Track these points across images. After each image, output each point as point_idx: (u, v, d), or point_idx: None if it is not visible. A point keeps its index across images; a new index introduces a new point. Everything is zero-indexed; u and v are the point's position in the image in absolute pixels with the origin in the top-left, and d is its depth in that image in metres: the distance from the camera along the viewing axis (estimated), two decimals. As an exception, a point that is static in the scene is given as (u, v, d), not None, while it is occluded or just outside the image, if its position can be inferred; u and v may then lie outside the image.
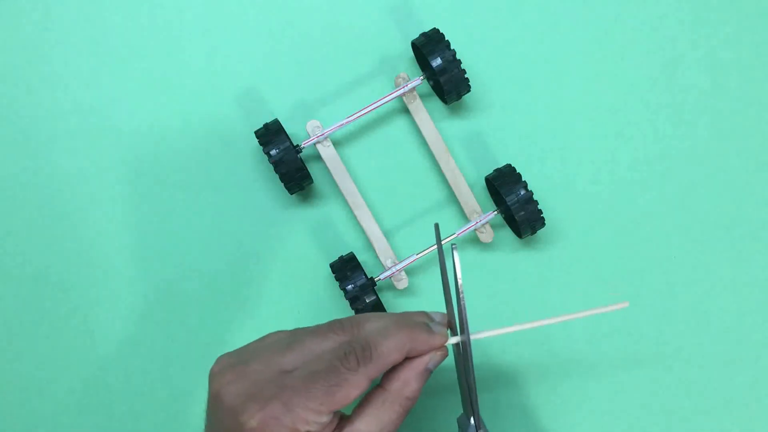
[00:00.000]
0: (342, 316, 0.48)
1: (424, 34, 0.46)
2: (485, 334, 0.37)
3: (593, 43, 0.50)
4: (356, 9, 0.50)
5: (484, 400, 0.48)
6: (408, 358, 0.36)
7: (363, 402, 0.36)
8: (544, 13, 0.50)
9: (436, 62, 0.45)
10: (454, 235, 0.47)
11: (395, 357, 0.35)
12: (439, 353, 0.36)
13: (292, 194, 0.47)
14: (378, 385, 0.36)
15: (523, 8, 0.50)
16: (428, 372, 0.36)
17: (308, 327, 0.37)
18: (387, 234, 0.48)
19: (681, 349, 0.49)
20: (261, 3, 0.50)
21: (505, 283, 0.49)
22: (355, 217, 0.47)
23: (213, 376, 0.35)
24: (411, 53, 0.49)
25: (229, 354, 0.36)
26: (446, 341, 0.37)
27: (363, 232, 0.47)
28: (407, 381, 0.35)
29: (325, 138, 0.47)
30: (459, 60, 0.45)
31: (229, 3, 0.50)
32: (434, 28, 0.46)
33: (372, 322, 0.36)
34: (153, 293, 0.49)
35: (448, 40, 0.45)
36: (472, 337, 0.36)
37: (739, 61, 0.50)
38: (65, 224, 0.49)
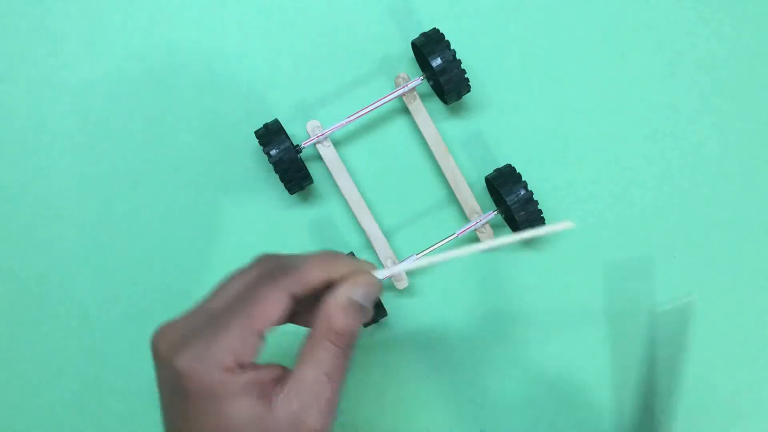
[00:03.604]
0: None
1: (424, 34, 0.46)
2: (412, 265, 0.36)
3: (593, 43, 0.50)
4: (356, 9, 0.50)
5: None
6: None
7: (300, 348, 0.34)
8: (544, 13, 0.50)
9: (436, 62, 0.45)
10: (454, 235, 0.47)
11: (315, 272, 0.33)
12: (362, 278, 0.34)
13: (292, 194, 0.47)
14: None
15: (523, 8, 0.50)
16: (355, 304, 0.34)
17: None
18: (387, 234, 0.48)
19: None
20: (261, 3, 0.50)
21: (505, 283, 0.49)
22: (355, 217, 0.47)
23: (152, 339, 0.33)
24: (411, 53, 0.49)
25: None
26: (373, 268, 0.35)
27: (363, 232, 0.47)
28: (331, 314, 0.33)
29: (325, 138, 0.47)
30: (459, 60, 0.45)
31: (229, 3, 0.50)
32: (434, 28, 0.46)
33: (300, 256, 0.35)
34: (153, 293, 0.49)
35: (448, 40, 0.45)
36: (404, 267, 0.35)
37: (738, 60, 0.50)
38: (65, 225, 0.49)
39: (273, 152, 0.44)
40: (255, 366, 0.32)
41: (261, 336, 0.32)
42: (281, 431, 0.31)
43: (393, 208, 0.49)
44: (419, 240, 0.49)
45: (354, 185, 0.47)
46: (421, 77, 0.47)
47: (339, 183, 0.47)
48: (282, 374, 0.33)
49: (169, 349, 0.31)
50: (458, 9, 0.50)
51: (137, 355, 0.49)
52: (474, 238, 0.48)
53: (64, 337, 0.49)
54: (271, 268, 0.33)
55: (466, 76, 0.46)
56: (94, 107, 0.49)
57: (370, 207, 0.48)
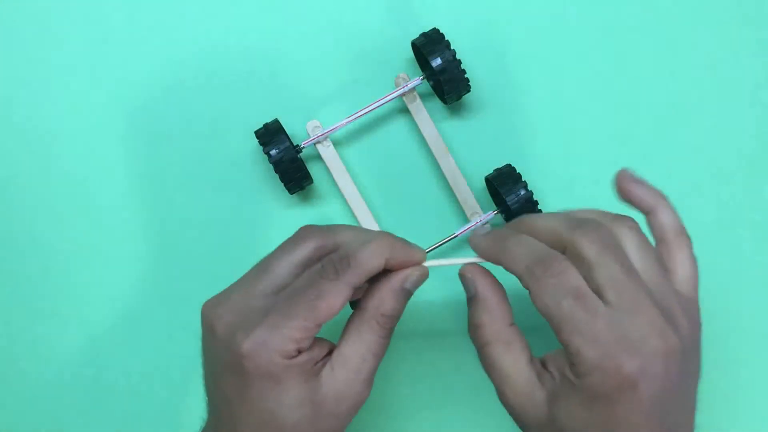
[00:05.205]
0: (342, 321, 0.49)
1: (424, 34, 0.46)
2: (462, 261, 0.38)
3: (593, 43, 0.50)
4: (356, 9, 0.50)
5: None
6: (384, 274, 0.36)
7: (346, 326, 0.36)
8: (544, 13, 0.50)
9: (436, 62, 0.45)
10: (454, 236, 0.47)
11: (375, 263, 0.34)
12: (417, 272, 0.36)
13: (292, 194, 0.47)
14: (357, 306, 0.36)
15: (523, 8, 0.50)
16: (406, 291, 0.36)
17: (280, 245, 0.37)
18: (387, 234, 0.48)
19: (681, 349, 0.49)
20: (261, 3, 0.50)
21: (504, 284, 0.49)
22: (355, 217, 0.47)
23: (205, 313, 0.35)
24: (411, 53, 0.49)
25: (218, 293, 0.36)
26: (425, 257, 0.37)
27: (363, 232, 0.47)
28: (383, 298, 0.35)
29: (325, 138, 0.47)
30: (459, 60, 0.45)
31: (228, 3, 0.50)
32: (434, 28, 0.46)
33: (347, 232, 0.36)
34: (153, 293, 0.49)
35: (448, 40, 0.45)
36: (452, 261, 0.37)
37: (739, 60, 0.50)
38: (65, 226, 0.49)
39: (273, 152, 0.44)
40: (309, 348, 0.34)
41: (321, 326, 0.33)
42: (327, 405, 0.34)
43: (393, 208, 0.49)
44: (419, 240, 0.48)
45: (354, 185, 0.47)
46: (421, 77, 0.47)
47: (339, 183, 0.47)
48: (328, 349, 0.35)
49: (230, 330, 0.33)
50: (458, 9, 0.50)
51: (137, 355, 0.49)
52: (474, 238, 0.48)
53: (64, 337, 0.49)
54: (331, 258, 0.34)
55: (466, 76, 0.46)
56: (94, 107, 0.49)
57: (370, 207, 0.48)
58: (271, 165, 0.45)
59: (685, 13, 0.50)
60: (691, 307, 0.35)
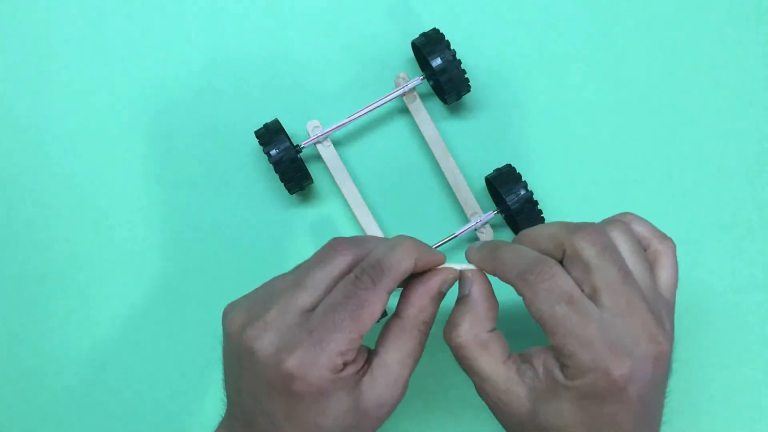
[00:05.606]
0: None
1: (424, 34, 0.46)
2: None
3: (593, 43, 0.50)
4: (356, 9, 0.50)
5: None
6: (418, 279, 0.36)
7: (384, 333, 0.36)
8: (544, 13, 0.50)
9: (436, 62, 0.45)
10: (454, 236, 0.47)
11: (406, 266, 0.34)
12: (451, 275, 0.36)
13: (292, 194, 0.47)
14: (394, 314, 0.36)
15: (523, 8, 0.50)
16: (442, 295, 0.36)
17: (308, 259, 0.36)
18: (387, 234, 0.48)
19: (681, 350, 0.49)
20: (261, 3, 0.50)
21: (505, 284, 0.49)
22: (355, 217, 0.47)
23: (237, 331, 0.34)
24: (411, 53, 0.49)
25: (240, 306, 0.35)
26: (445, 257, 0.37)
27: (363, 232, 0.47)
28: (422, 307, 0.35)
29: (325, 138, 0.47)
30: (459, 60, 0.45)
31: (229, 3, 0.50)
32: (434, 28, 0.46)
33: (373, 241, 0.36)
34: (152, 293, 0.49)
35: (448, 40, 0.45)
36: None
37: (738, 60, 0.50)
38: (65, 225, 0.49)
39: (273, 152, 0.44)
40: (354, 359, 0.34)
41: (363, 336, 0.33)
42: (370, 411, 0.34)
43: (393, 208, 0.49)
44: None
45: (354, 185, 0.47)
46: (421, 77, 0.47)
47: (339, 183, 0.47)
48: (366, 356, 0.35)
49: (274, 351, 0.32)
50: (458, 9, 0.50)
51: (138, 356, 0.49)
52: (474, 238, 0.48)
53: (64, 337, 0.49)
54: (363, 267, 0.34)
55: (466, 76, 0.46)
56: (95, 107, 0.49)
57: (370, 207, 0.48)
58: (271, 165, 0.45)
59: (685, 13, 0.50)
60: (671, 311, 0.36)
